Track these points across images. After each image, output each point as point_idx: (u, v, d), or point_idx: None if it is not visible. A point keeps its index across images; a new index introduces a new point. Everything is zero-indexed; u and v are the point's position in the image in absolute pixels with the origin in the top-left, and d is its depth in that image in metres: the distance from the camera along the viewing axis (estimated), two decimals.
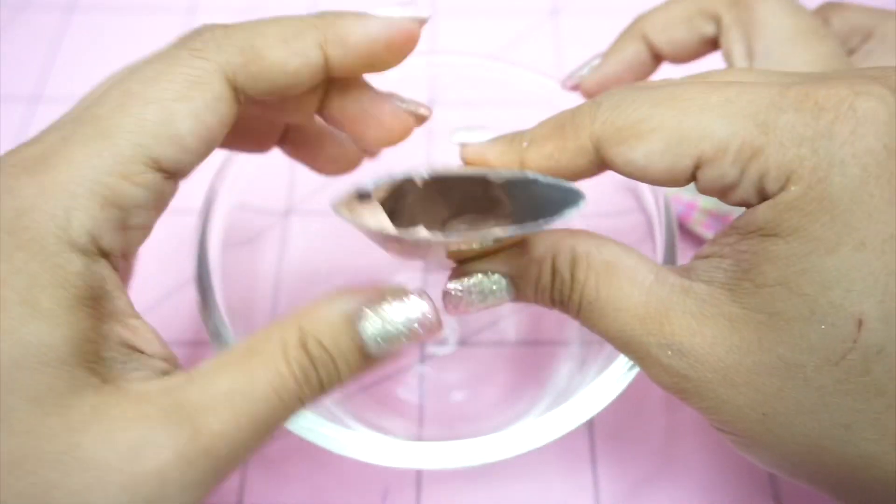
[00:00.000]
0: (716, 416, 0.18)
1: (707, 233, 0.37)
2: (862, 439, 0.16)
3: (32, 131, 0.43)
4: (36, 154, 0.17)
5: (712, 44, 0.27)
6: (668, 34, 0.27)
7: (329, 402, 0.30)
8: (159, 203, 0.18)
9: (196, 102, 0.17)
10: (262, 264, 0.34)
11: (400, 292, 0.18)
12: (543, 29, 0.48)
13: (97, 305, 0.17)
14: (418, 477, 0.31)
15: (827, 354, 0.16)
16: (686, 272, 0.19)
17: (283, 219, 0.35)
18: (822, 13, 0.30)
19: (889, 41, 0.28)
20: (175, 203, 0.20)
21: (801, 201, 0.15)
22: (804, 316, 0.16)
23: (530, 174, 0.19)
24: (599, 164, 0.19)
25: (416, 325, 0.17)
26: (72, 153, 0.17)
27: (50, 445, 0.15)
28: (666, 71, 0.27)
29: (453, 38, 0.47)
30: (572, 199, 0.18)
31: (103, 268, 0.17)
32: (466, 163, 0.20)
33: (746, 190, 0.17)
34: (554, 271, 0.20)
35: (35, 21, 0.49)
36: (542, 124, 0.20)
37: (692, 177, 0.17)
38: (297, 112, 0.22)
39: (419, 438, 0.32)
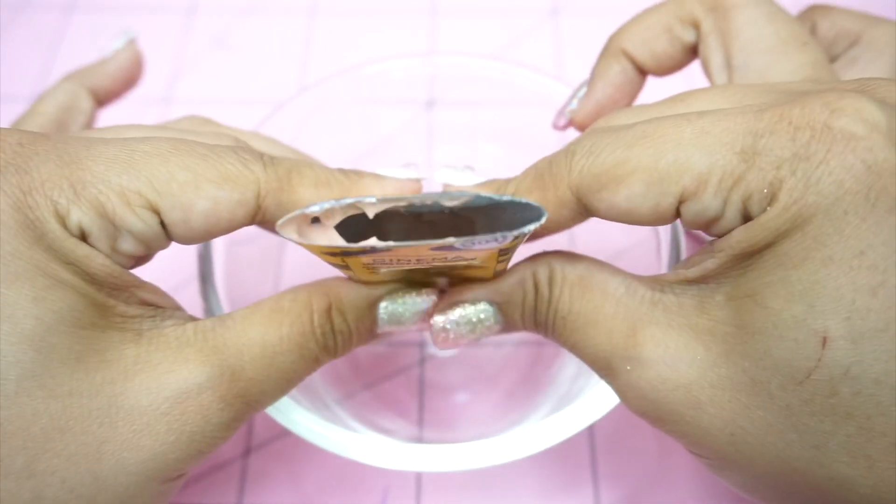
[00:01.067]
0: (683, 439, 0.17)
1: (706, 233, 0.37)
2: (833, 461, 0.15)
3: None
4: (59, 149, 0.17)
5: (695, 51, 0.26)
6: (648, 47, 0.25)
7: (330, 402, 0.30)
8: (148, 242, 0.18)
9: (224, 193, 0.18)
10: (264, 263, 0.34)
11: (408, 287, 0.20)
12: (543, 29, 0.48)
13: (110, 276, 0.17)
14: (418, 479, 0.31)
15: (791, 372, 0.15)
16: (658, 284, 0.18)
17: None
18: (809, 16, 0.30)
19: (875, 47, 0.28)
20: None
21: (777, 221, 0.15)
22: (768, 329, 0.15)
23: (483, 194, 0.18)
24: (583, 212, 0.18)
25: (421, 313, 0.20)
26: (92, 161, 0.17)
27: (94, 402, 0.16)
28: (651, 85, 0.27)
29: (453, 38, 0.47)
30: (535, 216, 0.17)
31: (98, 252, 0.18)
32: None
33: (731, 219, 0.16)
34: (537, 289, 0.20)
35: (35, 21, 0.49)
36: (524, 174, 0.20)
37: (677, 214, 0.17)
38: None
39: (419, 440, 0.32)
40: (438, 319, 0.20)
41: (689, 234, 0.37)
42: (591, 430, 0.32)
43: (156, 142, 0.18)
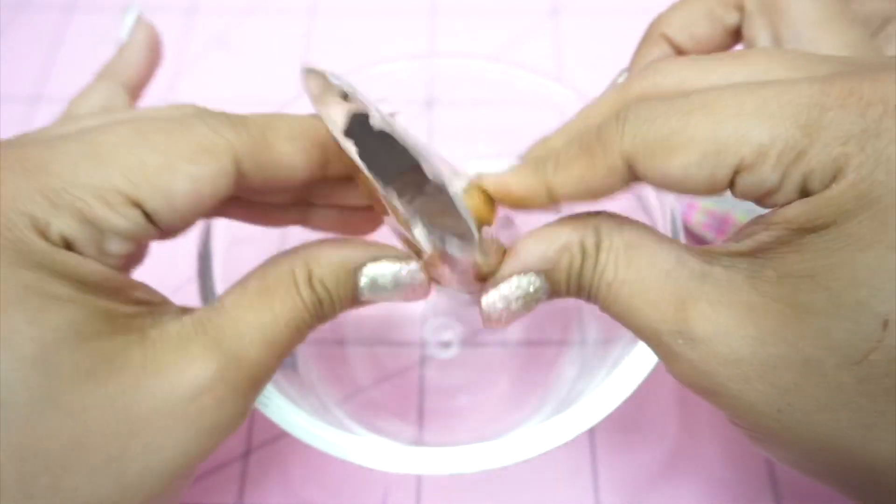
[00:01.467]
0: (729, 411, 0.17)
1: (707, 233, 0.37)
2: (883, 441, 0.15)
3: None
4: (21, 156, 0.17)
5: (736, 34, 0.26)
6: (689, 31, 0.25)
7: (330, 403, 0.30)
8: (136, 238, 0.18)
9: (201, 168, 0.18)
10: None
11: (394, 254, 0.20)
12: (543, 29, 0.48)
13: (105, 281, 0.17)
14: (418, 481, 0.31)
15: (849, 352, 0.15)
16: (708, 256, 0.18)
17: None
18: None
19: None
20: None
21: (842, 198, 0.15)
22: (828, 311, 0.15)
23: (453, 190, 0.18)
24: (631, 180, 0.18)
25: (403, 282, 0.20)
26: (59, 164, 0.17)
27: (110, 413, 0.16)
28: None
29: (453, 38, 0.47)
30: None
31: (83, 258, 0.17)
32: (489, 194, 0.20)
33: (787, 193, 0.16)
34: (584, 253, 0.19)
35: (35, 21, 0.49)
36: (566, 147, 0.19)
37: (731, 184, 0.17)
38: (281, 198, 0.23)
39: (419, 442, 0.32)
40: (490, 298, 0.19)
41: (689, 233, 0.37)
42: (591, 431, 0.32)
43: (116, 128, 0.18)
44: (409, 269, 0.20)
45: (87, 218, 0.16)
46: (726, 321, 0.17)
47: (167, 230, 0.18)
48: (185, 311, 0.19)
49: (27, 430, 0.15)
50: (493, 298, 0.19)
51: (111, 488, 0.16)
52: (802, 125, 0.15)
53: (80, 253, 0.17)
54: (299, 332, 0.19)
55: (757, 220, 0.17)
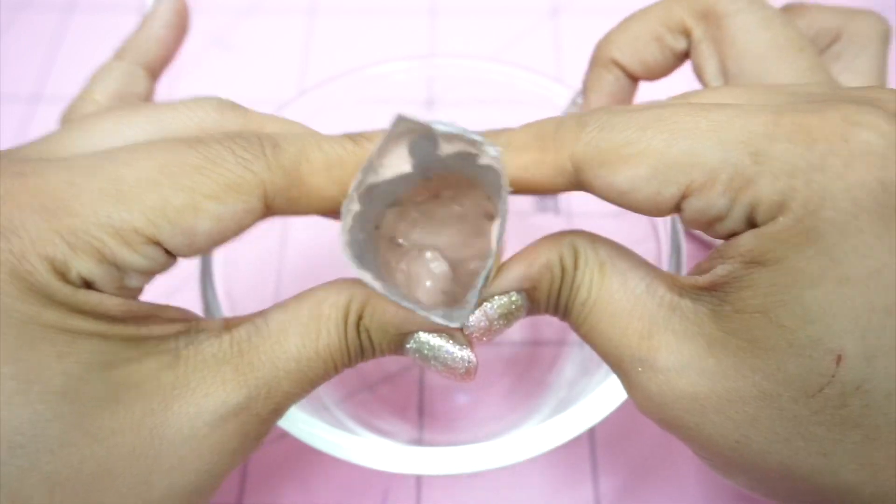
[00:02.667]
0: (687, 442, 0.17)
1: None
2: (840, 468, 0.15)
3: (32, 131, 0.43)
4: (39, 190, 0.16)
5: (685, 56, 0.25)
6: (638, 57, 0.25)
7: (330, 403, 0.30)
8: (153, 272, 0.17)
9: (226, 207, 0.17)
10: (264, 263, 0.33)
11: (455, 337, 0.19)
12: (543, 29, 0.48)
13: (128, 313, 0.17)
14: (418, 481, 0.31)
15: (803, 387, 0.15)
16: (677, 286, 0.18)
17: (283, 218, 0.35)
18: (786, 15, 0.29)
19: (857, 41, 0.27)
20: None
21: (788, 233, 0.15)
22: (782, 347, 0.15)
23: (468, 133, 0.17)
24: (576, 184, 0.18)
25: (450, 366, 0.19)
26: (79, 203, 0.16)
27: (137, 437, 0.16)
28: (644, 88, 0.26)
29: (453, 38, 0.47)
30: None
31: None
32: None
33: (735, 221, 0.16)
34: (564, 271, 0.19)
35: (35, 21, 0.49)
36: (522, 130, 0.19)
37: (676, 207, 0.17)
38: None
39: (419, 442, 0.32)
40: (475, 317, 0.19)
41: (689, 235, 0.37)
42: (591, 432, 0.32)
43: (140, 161, 0.17)
44: (462, 354, 0.19)
45: (107, 259, 0.16)
46: (689, 353, 0.17)
47: (183, 258, 0.18)
48: (227, 325, 0.18)
49: (58, 460, 0.15)
50: (478, 317, 0.19)
51: None
52: (753, 153, 0.15)
53: (99, 290, 0.16)
54: (335, 371, 0.19)
55: (714, 255, 0.17)
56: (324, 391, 0.31)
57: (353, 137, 0.19)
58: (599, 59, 0.26)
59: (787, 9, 0.29)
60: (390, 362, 0.34)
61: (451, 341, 0.19)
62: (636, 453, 0.32)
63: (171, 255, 0.17)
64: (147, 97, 0.26)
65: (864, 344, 0.14)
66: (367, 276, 0.18)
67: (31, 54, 0.47)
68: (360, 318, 0.19)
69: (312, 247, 0.36)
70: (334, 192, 0.19)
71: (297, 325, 0.18)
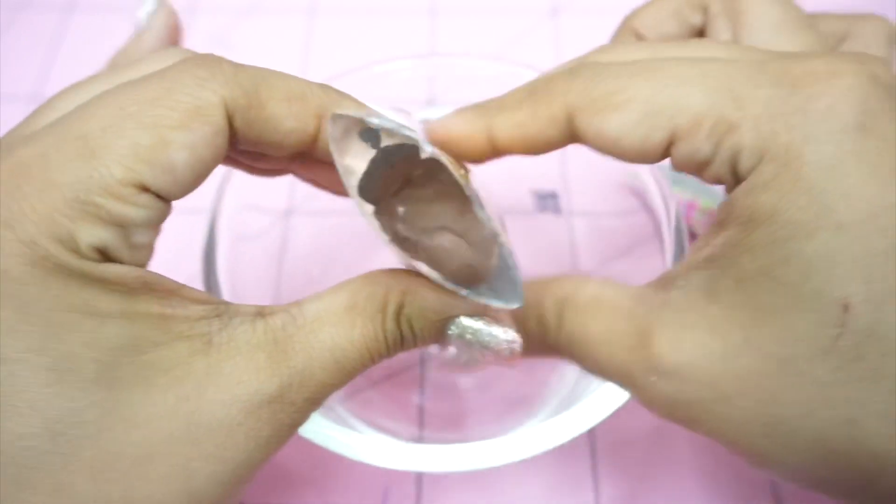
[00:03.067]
0: (717, 436, 0.17)
1: None
2: (869, 434, 0.15)
3: None
4: (17, 171, 0.16)
5: (700, 33, 0.27)
6: (658, 29, 0.27)
7: (333, 401, 0.30)
8: (158, 221, 0.17)
9: (195, 134, 0.16)
10: (267, 259, 0.34)
11: (500, 317, 0.19)
12: (543, 29, 0.48)
13: (149, 284, 0.17)
14: (418, 479, 0.31)
15: (816, 342, 0.15)
16: (664, 285, 0.18)
17: (285, 218, 0.35)
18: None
19: (863, 41, 0.28)
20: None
21: (776, 181, 0.15)
22: (789, 305, 0.15)
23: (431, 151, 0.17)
24: (570, 135, 0.18)
25: (494, 349, 0.19)
26: (57, 173, 0.15)
27: (173, 423, 0.16)
28: None
29: (453, 38, 0.47)
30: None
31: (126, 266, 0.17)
32: (432, 141, 0.19)
33: (720, 166, 0.16)
34: (540, 321, 0.19)
35: (35, 21, 0.49)
36: (513, 91, 0.19)
37: (665, 153, 0.17)
38: (272, 162, 0.22)
39: (420, 440, 0.32)
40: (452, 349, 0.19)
41: (693, 235, 0.37)
42: (591, 431, 0.32)
43: (98, 110, 0.16)
44: (506, 336, 0.19)
45: (107, 219, 0.16)
46: (692, 344, 0.16)
47: (176, 199, 0.17)
48: (261, 312, 0.18)
49: (97, 446, 0.15)
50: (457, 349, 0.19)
51: (181, 497, 0.16)
52: (735, 97, 0.16)
53: (115, 259, 0.16)
54: (372, 361, 0.19)
55: (705, 234, 0.17)
56: None
57: (323, 86, 0.19)
58: (623, 30, 0.28)
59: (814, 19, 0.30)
60: (392, 360, 0.34)
61: (493, 324, 0.19)
62: (636, 454, 0.32)
63: (164, 200, 0.17)
64: None
65: (870, 289, 0.14)
66: (421, 266, 0.18)
67: (31, 54, 0.47)
68: (400, 307, 0.18)
69: (314, 246, 0.36)
70: (294, 125, 0.18)
71: (333, 315, 0.18)
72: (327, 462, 0.31)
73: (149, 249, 0.17)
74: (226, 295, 0.26)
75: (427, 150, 0.16)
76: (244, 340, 0.17)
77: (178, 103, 0.16)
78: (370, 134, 0.17)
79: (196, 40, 0.48)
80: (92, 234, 0.15)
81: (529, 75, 0.31)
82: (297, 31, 0.48)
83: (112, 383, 0.16)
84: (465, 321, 0.19)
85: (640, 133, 0.17)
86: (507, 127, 0.19)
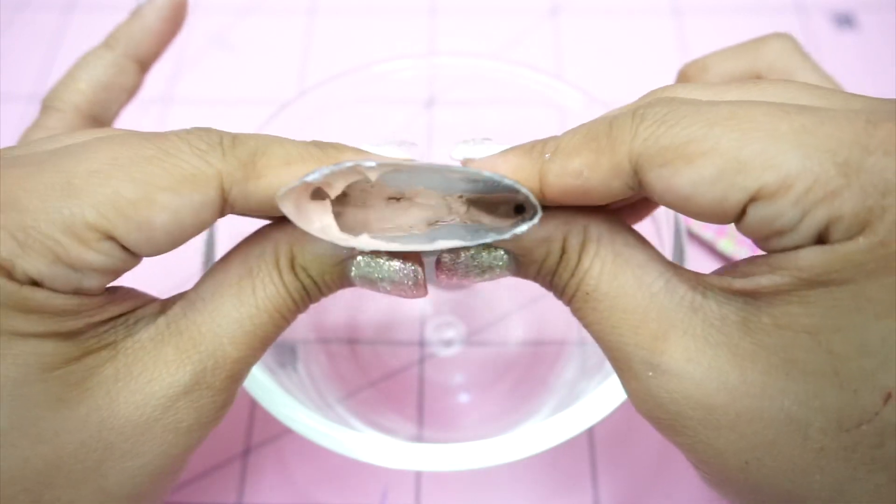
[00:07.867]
0: (690, 453, 0.16)
1: (706, 232, 0.37)
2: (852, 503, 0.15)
3: None
4: None
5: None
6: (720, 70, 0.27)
7: (331, 400, 0.30)
8: (117, 270, 0.17)
9: (182, 199, 0.16)
10: None
11: (393, 252, 0.18)
12: (543, 29, 0.48)
13: (75, 309, 0.16)
14: (418, 479, 0.31)
15: (839, 419, 0.14)
16: (701, 285, 0.16)
17: None
18: (688, 77, 0.28)
19: (781, 69, 0.26)
20: None
21: (866, 256, 0.13)
22: (825, 374, 0.14)
23: (486, 174, 0.16)
24: (634, 187, 0.16)
25: (397, 281, 0.18)
26: (29, 198, 0.15)
27: (83, 433, 0.16)
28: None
29: (453, 37, 0.47)
30: (530, 209, 0.16)
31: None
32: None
33: (802, 236, 0.14)
34: (563, 251, 0.17)
35: (35, 21, 0.49)
36: (570, 133, 0.17)
37: (741, 216, 0.15)
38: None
39: (419, 439, 0.32)
40: (447, 257, 0.18)
41: (693, 238, 0.37)
42: (590, 431, 0.32)
43: (93, 155, 0.16)
44: (407, 269, 0.18)
45: (59, 257, 0.15)
46: (709, 363, 0.15)
47: (146, 257, 0.17)
48: (165, 306, 0.18)
49: (2, 459, 0.16)
50: (450, 260, 0.18)
51: (93, 495, 0.17)
52: (840, 163, 0.14)
53: (50, 289, 0.16)
54: (284, 320, 0.18)
55: (756, 260, 0.15)
56: (325, 388, 0.31)
57: (319, 144, 0.18)
58: (684, 76, 0.27)
59: (684, 72, 0.28)
60: (392, 360, 0.34)
61: (393, 259, 0.18)
62: (635, 454, 0.32)
63: (131, 254, 0.16)
64: (133, 91, 0.26)
65: None
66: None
67: (31, 54, 0.47)
68: (292, 258, 0.18)
69: None
70: None
71: (230, 287, 0.18)
72: (327, 462, 0.31)
73: (99, 291, 0.17)
74: None
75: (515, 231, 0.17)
76: (148, 339, 0.17)
77: (173, 167, 0.16)
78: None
79: (196, 40, 0.48)
80: (32, 266, 0.15)
81: (529, 75, 0.32)
82: (297, 31, 0.48)
83: (19, 400, 0.16)
84: (363, 259, 0.18)
85: (718, 192, 0.14)
86: (562, 175, 0.16)
